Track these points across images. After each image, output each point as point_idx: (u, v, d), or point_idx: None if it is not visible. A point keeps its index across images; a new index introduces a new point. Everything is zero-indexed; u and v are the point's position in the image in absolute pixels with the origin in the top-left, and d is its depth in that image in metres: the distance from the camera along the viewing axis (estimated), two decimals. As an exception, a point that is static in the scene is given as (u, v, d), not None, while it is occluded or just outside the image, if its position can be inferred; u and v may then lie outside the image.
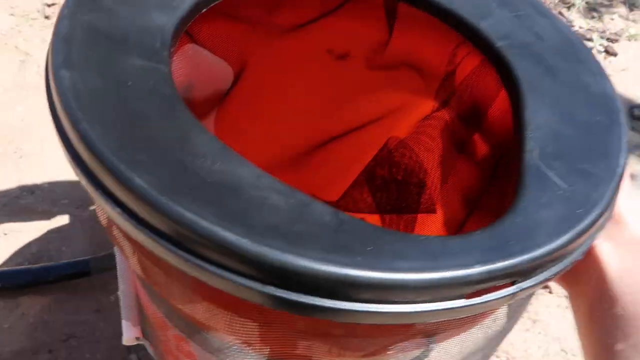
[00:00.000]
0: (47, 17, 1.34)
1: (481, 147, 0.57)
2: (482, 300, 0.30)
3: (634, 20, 1.90)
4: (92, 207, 0.91)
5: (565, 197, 0.33)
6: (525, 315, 0.94)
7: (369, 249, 0.28)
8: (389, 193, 0.72)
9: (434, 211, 0.65)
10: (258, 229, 0.27)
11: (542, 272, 0.31)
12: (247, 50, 0.62)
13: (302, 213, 0.29)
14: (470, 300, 0.29)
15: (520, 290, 0.31)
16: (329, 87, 0.66)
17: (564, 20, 1.83)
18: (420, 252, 0.28)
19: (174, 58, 0.50)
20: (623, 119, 0.40)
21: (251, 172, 0.31)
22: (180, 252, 0.27)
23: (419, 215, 0.70)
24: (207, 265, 0.28)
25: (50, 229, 0.87)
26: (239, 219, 0.28)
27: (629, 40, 1.74)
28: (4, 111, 1.07)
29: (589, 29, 1.75)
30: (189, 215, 0.27)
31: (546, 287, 1.03)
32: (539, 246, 0.30)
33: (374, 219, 0.76)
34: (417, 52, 0.58)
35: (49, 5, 1.37)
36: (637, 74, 1.59)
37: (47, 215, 0.89)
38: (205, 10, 0.46)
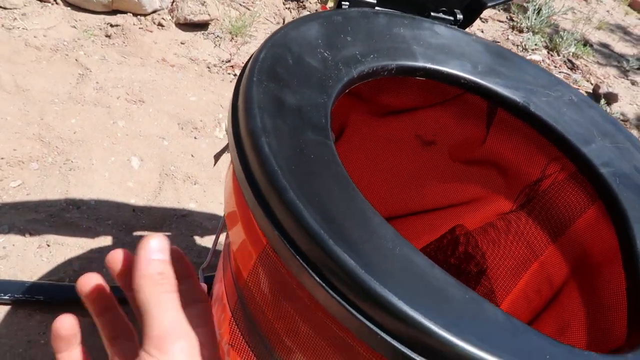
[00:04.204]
0: (108, 36, 1.38)
1: (554, 260, 0.60)
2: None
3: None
4: (135, 233, 0.92)
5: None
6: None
7: (547, 357, 0.30)
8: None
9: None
10: (451, 319, 0.30)
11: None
12: (346, 121, 0.66)
13: (479, 309, 0.32)
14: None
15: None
16: (412, 167, 0.70)
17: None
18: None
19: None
20: None
21: (424, 261, 0.34)
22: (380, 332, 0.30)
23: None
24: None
25: (93, 248, 0.87)
26: (436, 310, 0.30)
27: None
28: (57, 121, 1.08)
29: None
30: (397, 302, 0.30)
31: None
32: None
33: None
34: (506, 155, 0.63)
35: (112, 26, 1.41)
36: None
37: (91, 233, 0.89)
38: (347, 90, 0.50)
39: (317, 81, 0.45)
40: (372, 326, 0.31)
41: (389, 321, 0.30)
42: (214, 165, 0.50)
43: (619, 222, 0.48)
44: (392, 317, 0.30)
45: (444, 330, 0.29)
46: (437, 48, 0.58)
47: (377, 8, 0.62)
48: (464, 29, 0.66)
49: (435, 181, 0.71)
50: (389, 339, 0.30)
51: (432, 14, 0.64)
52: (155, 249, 0.29)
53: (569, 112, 0.57)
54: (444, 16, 0.65)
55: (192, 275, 0.33)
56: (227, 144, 0.55)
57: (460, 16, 0.65)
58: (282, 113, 0.40)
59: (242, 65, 1.52)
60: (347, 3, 0.60)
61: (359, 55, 0.51)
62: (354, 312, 0.31)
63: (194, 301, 0.31)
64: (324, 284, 0.31)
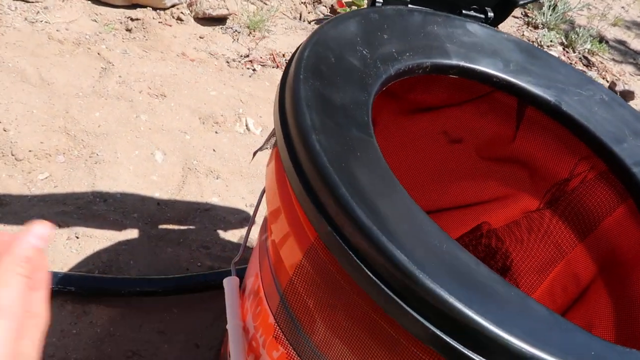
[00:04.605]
0: (129, 30, 1.39)
1: (582, 258, 0.61)
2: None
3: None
4: (161, 227, 0.93)
5: None
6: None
7: (592, 353, 0.31)
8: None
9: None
10: (500, 315, 0.31)
11: None
12: (376, 118, 0.67)
13: (524, 305, 0.33)
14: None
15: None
16: (439, 164, 0.71)
17: None
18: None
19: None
20: None
21: (469, 258, 0.35)
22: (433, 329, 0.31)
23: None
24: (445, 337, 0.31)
25: (120, 240, 0.89)
26: (485, 306, 0.31)
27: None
28: (82, 115, 1.10)
29: None
30: (448, 297, 0.31)
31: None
32: None
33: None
34: (535, 154, 0.63)
35: (132, 20, 1.43)
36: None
37: (118, 225, 0.91)
38: (384, 88, 0.51)
39: (358, 79, 0.46)
40: (424, 321, 0.32)
41: (440, 317, 0.31)
42: (251, 160, 0.51)
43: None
44: (444, 313, 0.31)
45: (494, 326, 0.30)
46: (470, 46, 0.58)
47: (410, 6, 0.63)
48: (495, 27, 0.66)
49: (462, 178, 0.72)
50: (440, 333, 0.31)
51: (463, 11, 0.65)
52: (38, 235, 0.30)
53: (600, 112, 0.57)
54: (475, 14, 0.65)
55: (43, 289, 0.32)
56: (267, 139, 0.56)
57: (491, 14, 0.66)
58: (328, 110, 0.40)
59: (261, 60, 1.53)
60: (381, 1, 0.61)
61: (395, 53, 0.52)
62: (406, 307, 0.32)
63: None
64: (376, 279, 0.32)
